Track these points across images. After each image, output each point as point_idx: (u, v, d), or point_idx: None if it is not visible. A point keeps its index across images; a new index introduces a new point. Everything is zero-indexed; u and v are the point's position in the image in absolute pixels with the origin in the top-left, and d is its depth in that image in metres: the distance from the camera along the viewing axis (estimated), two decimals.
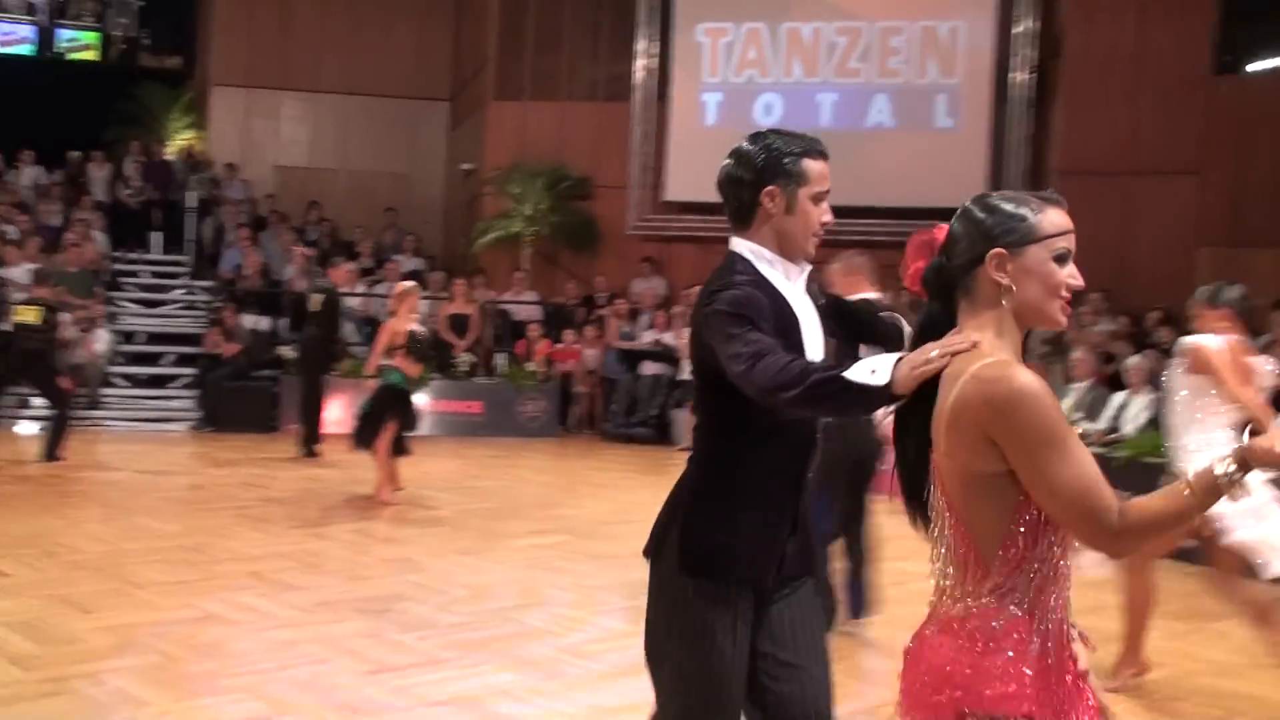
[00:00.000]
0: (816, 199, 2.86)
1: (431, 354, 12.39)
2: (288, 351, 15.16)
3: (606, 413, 16.03)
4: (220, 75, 19.99)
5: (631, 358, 16.01)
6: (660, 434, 15.31)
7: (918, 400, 2.26)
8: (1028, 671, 2.09)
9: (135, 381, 15.69)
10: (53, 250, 16.04)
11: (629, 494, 10.86)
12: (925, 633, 2.22)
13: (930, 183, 15.40)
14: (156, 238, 18.69)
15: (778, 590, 2.93)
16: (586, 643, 5.88)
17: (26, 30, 20.43)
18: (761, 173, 2.85)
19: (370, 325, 16.01)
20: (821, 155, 2.88)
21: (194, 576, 6.96)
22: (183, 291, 17.71)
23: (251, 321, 16.12)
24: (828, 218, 2.88)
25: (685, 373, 14.94)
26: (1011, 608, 2.11)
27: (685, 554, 2.86)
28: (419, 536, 8.53)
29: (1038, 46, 16.01)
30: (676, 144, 17.42)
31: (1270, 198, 13.69)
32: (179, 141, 20.21)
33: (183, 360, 16.15)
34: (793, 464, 2.93)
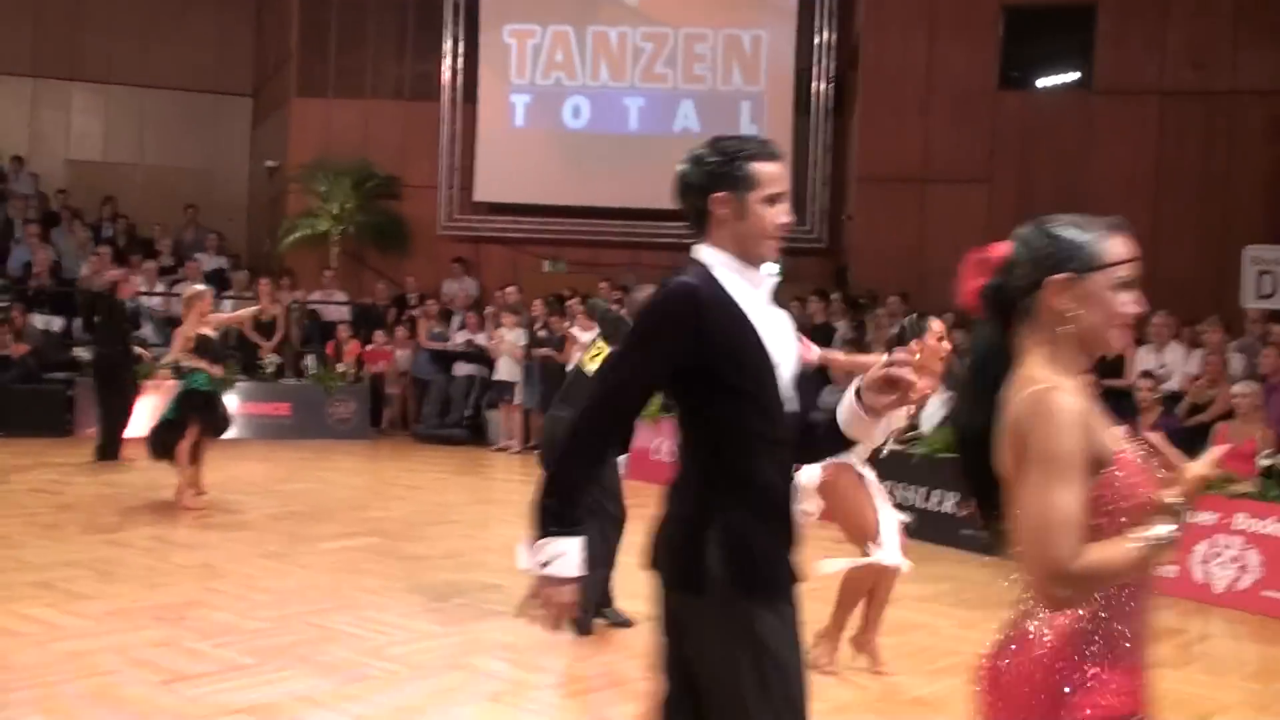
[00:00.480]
0: (770, 201, 2.81)
1: (229, 355, 12.13)
2: (82, 353, 14.59)
3: (419, 414, 15.92)
4: (3, 64, 19.07)
5: (444, 359, 15.94)
6: (475, 435, 15.30)
7: (980, 428, 2.25)
8: (1119, 677, 2.13)
9: None
10: None
11: (440, 495, 10.82)
12: (1007, 650, 2.21)
13: None
14: None
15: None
16: (390, 645, 5.88)
17: None
18: (710, 179, 2.82)
19: (171, 325, 15.55)
20: (772, 157, 2.83)
21: None
22: None
23: (43, 321, 15.48)
24: (785, 219, 2.84)
25: (501, 373, 14.97)
26: (1088, 621, 2.14)
27: (740, 577, 2.71)
28: (221, 542, 8.36)
29: (836, 57, 16.59)
30: (486, 144, 17.40)
31: (1053, 203, 14.37)
32: None
33: None
34: (787, 468, 2.87)
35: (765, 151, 2.83)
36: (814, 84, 16.58)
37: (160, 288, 16.30)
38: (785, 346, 2.84)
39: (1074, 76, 15.92)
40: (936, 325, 5.50)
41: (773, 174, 2.82)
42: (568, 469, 2.78)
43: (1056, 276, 2.20)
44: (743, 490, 2.76)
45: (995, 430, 2.20)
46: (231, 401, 14.13)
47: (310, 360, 15.90)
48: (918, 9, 15.70)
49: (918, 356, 4.67)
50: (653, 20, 17.04)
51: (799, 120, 16.60)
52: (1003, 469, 2.18)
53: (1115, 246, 2.22)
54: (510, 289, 15.92)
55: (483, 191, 17.46)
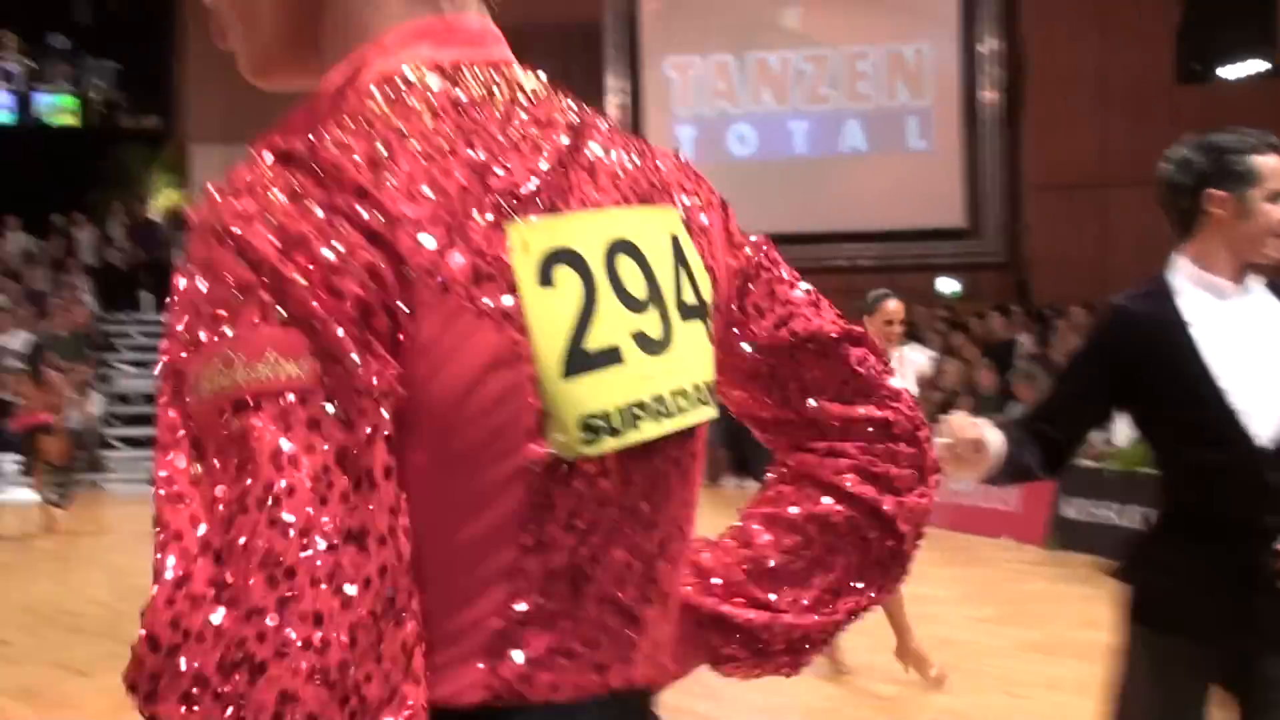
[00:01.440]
0: (1274, 197, 2.57)
1: None
2: None
3: None
4: (198, 133, 20.16)
5: None
6: None
7: None
8: None
9: (133, 443, 15.78)
10: (42, 316, 16.20)
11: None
12: None
13: (908, 204, 15.63)
14: (147, 298, 18.85)
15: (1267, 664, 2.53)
16: None
17: (4, 97, 20.63)
18: (1204, 178, 2.60)
19: None
20: (1273, 150, 2.61)
21: None
22: None
23: None
24: None
25: None
26: None
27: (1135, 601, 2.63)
28: None
29: (1003, 65, 16.27)
30: None
31: None
32: (162, 200, 20.39)
33: None
34: (1234, 506, 2.53)
35: (1265, 144, 2.63)
36: (981, 93, 16.30)
37: None
38: (1254, 369, 2.54)
39: (1261, 66, 15.25)
40: (892, 306, 5.63)
41: (1275, 168, 2.61)
42: None
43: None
44: (1172, 512, 2.66)
45: None
46: None
47: None
48: (1086, 7, 15.31)
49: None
50: (813, 41, 17.03)
51: (968, 132, 16.33)
52: None
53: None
54: None
55: None
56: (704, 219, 1.06)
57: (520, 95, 0.95)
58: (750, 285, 1.10)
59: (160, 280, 18.75)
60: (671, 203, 1.02)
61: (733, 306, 1.09)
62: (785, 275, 1.13)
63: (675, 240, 0.99)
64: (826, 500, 1.11)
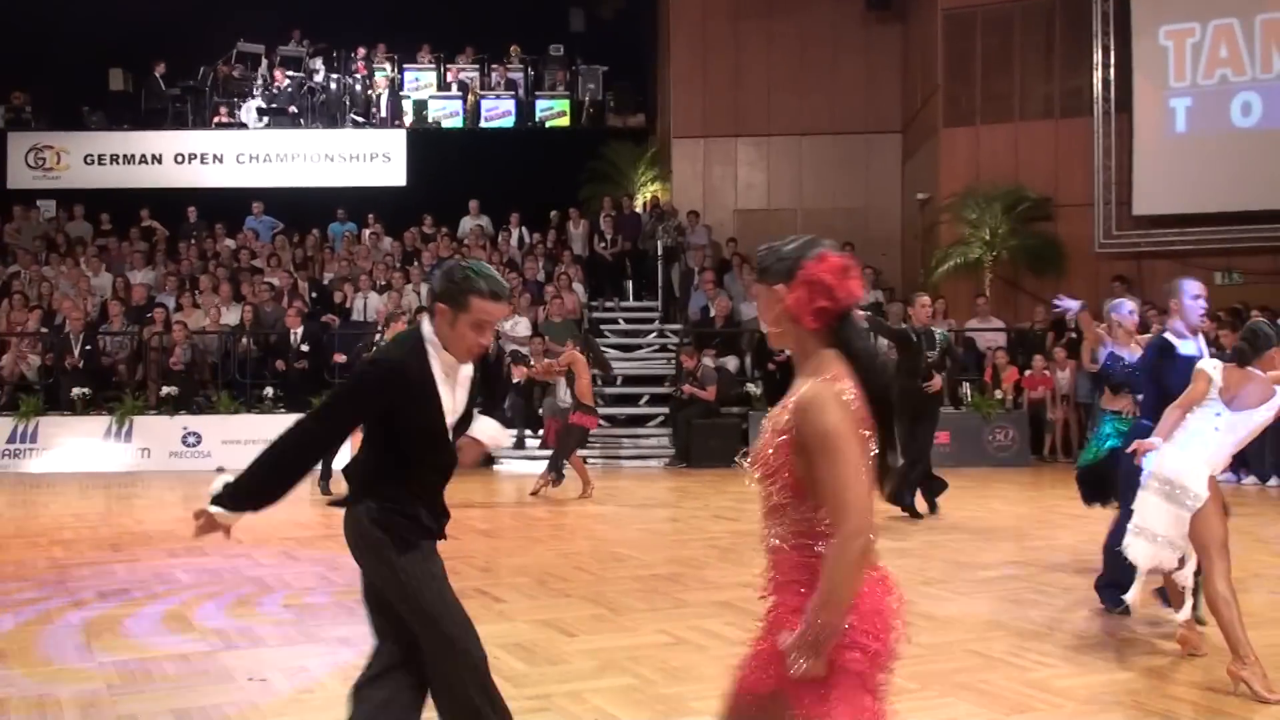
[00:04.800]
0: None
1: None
2: (753, 389, 15.70)
3: (1082, 440, 15.32)
4: (679, 128, 21.04)
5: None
6: None
7: None
8: None
9: (614, 421, 16.72)
10: (538, 304, 17.50)
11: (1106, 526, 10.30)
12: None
13: None
14: (631, 287, 19.95)
15: None
16: (1055, 678, 5.65)
17: (508, 104, 22.45)
18: None
19: None
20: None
21: (668, 605, 7.32)
22: (654, 335, 18.74)
23: (718, 361, 16.78)
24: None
25: None
26: None
27: None
28: (890, 566, 8.51)
29: None
30: (1143, 155, 16.51)
31: None
32: (645, 194, 21.44)
33: (654, 400, 17.09)
34: None
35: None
36: None
37: None
38: None
39: None
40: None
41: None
42: None
43: None
44: None
45: None
46: None
47: (967, 388, 15.88)
48: None
49: None
50: None
51: None
52: None
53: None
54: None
55: (1143, 204, 16.55)
56: None
57: None
58: None
59: (642, 269, 19.73)
60: None
61: None
62: None
63: None
64: None
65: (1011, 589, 7.75)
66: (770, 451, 2.72)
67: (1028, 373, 15.85)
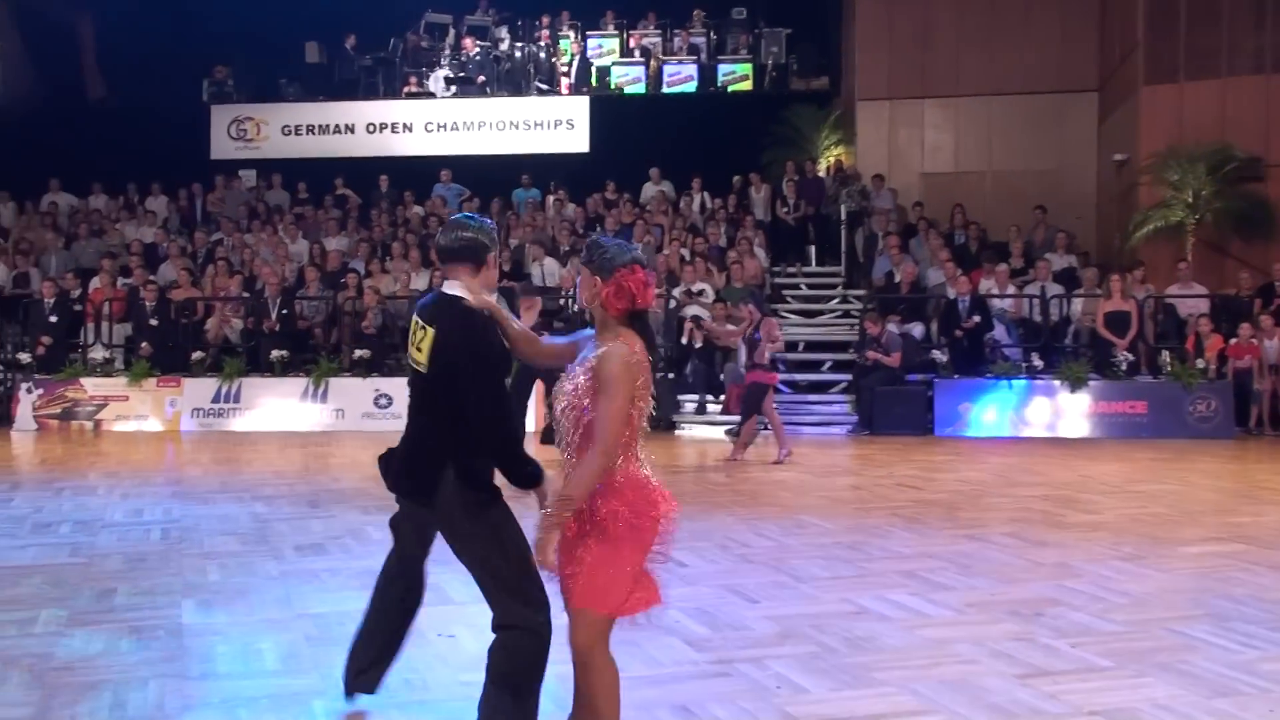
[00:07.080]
0: None
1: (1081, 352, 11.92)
2: (938, 355, 15.37)
3: None
4: (864, 90, 20.64)
5: None
6: None
7: None
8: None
9: (796, 387, 16.59)
10: (719, 269, 17.43)
11: None
12: None
13: None
14: (813, 251, 19.71)
15: None
16: (1261, 661, 5.36)
17: (690, 69, 22.37)
18: None
19: (1022, 327, 15.93)
20: None
21: (851, 573, 7.22)
22: (837, 301, 18.49)
23: (902, 327, 16.47)
24: None
25: None
26: None
27: None
28: (1077, 541, 8.23)
29: None
30: None
31: None
32: (829, 158, 21.12)
33: (837, 366, 16.89)
34: None
35: None
36: None
37: (1010, 289, 16.56)
38: None
39: None
40: None
41: None
42: None
43: None
44: None
45: None
46: (1083, 401, 14.00)
47: (1167, 356, 15.24)
48: None
49: None
50: None
51: None
52: None
53: None
54: None
55: None
56: None
57: None
58: None
59: (825, 234, 19.48)
60: None
61: None
62: None
63: None
64: None
65: (1213, 565, 7.39)
66: (574, 387, 3.72)
67: (1233, 341, 15.10)
